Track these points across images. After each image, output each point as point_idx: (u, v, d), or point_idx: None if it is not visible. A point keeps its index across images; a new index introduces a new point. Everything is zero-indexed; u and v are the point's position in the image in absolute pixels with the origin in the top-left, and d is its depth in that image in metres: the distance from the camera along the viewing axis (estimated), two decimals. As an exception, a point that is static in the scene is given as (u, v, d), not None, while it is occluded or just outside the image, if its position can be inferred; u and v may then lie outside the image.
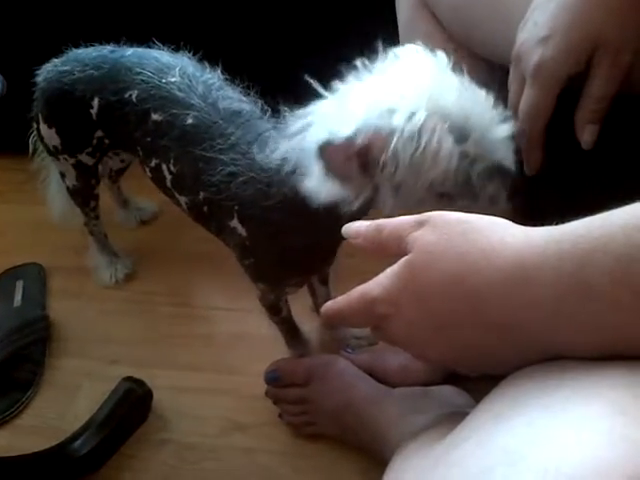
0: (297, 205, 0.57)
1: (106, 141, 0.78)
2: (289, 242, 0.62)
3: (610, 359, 0.31)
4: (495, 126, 0.50)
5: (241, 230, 0.65)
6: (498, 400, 0.34)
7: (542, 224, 0.35)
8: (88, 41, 0.77)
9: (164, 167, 0.69)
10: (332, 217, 0.54)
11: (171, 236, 1.02)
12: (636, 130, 0.55)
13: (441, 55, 0.52)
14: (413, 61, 0.52)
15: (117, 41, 0.76)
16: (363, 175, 0.52)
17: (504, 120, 0.51)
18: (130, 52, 0.73)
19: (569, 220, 0.33)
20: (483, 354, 0.37)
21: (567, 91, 0.56)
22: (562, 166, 0.63)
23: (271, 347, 0.83)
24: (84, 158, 0.80)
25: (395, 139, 0.49)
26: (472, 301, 0.35)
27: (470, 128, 0.49)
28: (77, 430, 0.78)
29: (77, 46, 0.77)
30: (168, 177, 0.69)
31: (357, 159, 0.51)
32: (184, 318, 0.93)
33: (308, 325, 0.85)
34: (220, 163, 0.63)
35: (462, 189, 0.51)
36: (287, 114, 0.59)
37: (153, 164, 0.70)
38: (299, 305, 0.83)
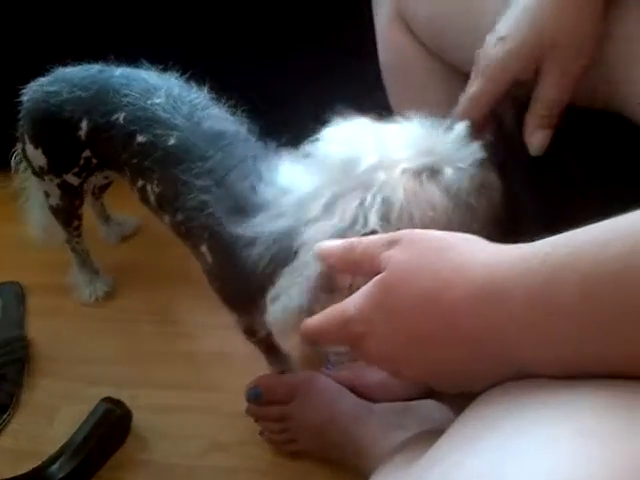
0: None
1: (94, 161, 0.78)
2: (256, 279, 0.61)
3: (581, 376, 0.31)
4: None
5: (209, 257, 0.65)
6: (472, 420, 0.34)
7: (522, 234, 0.35)
8: (76, 59, 0.77)
9: (148, 188, 0.70)
10: None
11: (152, 253, 1.01)
12: (616, 140, 0.56)
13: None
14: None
15: (105, 59, 0.76)
16: None
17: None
18: (118, 73, 0.73)
19: (551, 230, 0.33)
20: (457, 371, 0.37)
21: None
22: (543, 176, 0.63)
23: (252, 364, 0.82)
24: (70, 178, 0.80)
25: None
26: (445, 317, 0.35)
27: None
28: (54, 453, 0.77)
29: (64, 64, 0.77)
30: (152, 197, 0.70)
31: None
32: (165, 336, 0.92)
33: (288, 341, 0.84)
34: (195, 189, 0.64)
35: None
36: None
37: (139, 185, 0.71)
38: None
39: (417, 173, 0.48)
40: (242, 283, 0.63)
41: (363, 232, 0.47)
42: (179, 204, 0.65)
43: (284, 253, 0.50)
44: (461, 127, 0.50)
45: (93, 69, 0.75)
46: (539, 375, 0.32)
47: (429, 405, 0.72)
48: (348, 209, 0.47)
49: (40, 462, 0.76)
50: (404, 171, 0.48)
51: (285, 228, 0.50)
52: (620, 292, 0.28)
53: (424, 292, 0.35)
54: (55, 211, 0.86)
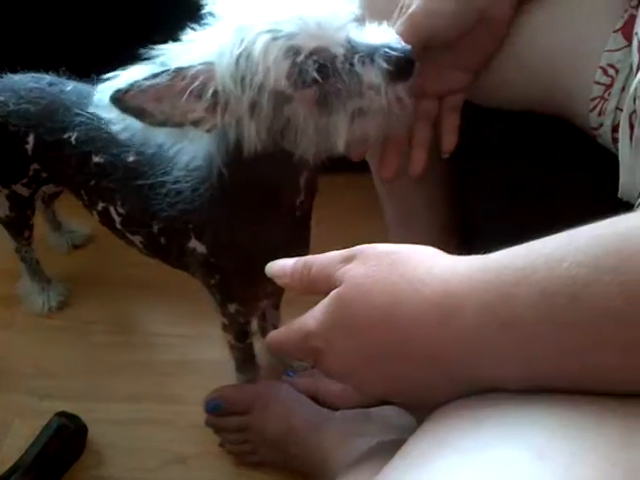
0: (228, 188, 0.56)
1: (43, 174, 0.75)
2: (248, 240, 0.61)
3: (539, 391, 0.31)
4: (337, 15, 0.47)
5: (201, 248, 0.63)
6: (425, 439, 0.34)
7: (478, 244, 0.35)
8: (26, 67, 0.73)
9: (112, 209, 0.67)
10: (271, 190, 0.53)
11: (106, 260, 0.99)
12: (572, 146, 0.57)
13: None
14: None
15: (56, 70, 0.73)
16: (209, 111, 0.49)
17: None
18: (70, 88, 0.70)
19: (508, 241, 0.33)
20: (414, 386, 0.36)
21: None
22: (499, 186, 0.64)
23: (212, 374, 0.81)
24: (19, 189, 0.77)
25: (218, 64, 0.47)
26: (400, 332, 0.34)
27: (307, 26, 0.46)
28: (6, 471, 0.74)
29: (13, 70, 0.73)
30: (117, 219, 0.68)
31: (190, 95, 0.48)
32: (121, 347, 0.90)
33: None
34: (166, 185, 0.62)
35: (336, 87, 0.47)
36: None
37: (100, 208, 0.69)
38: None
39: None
40: (238, 251, 0.63)
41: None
42: (152, 213, 0.64)
43: None
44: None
45: (43, 80, 0.72)
46: (498, 389, 0.32)
47: (390, 411, 0.72)
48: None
49: (-9, 481, 0.74)
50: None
51: None
52: (574, 307, 0.28)
53: (379, 307, 0.35)
54: (5, 223, 0.83)
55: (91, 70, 0.70)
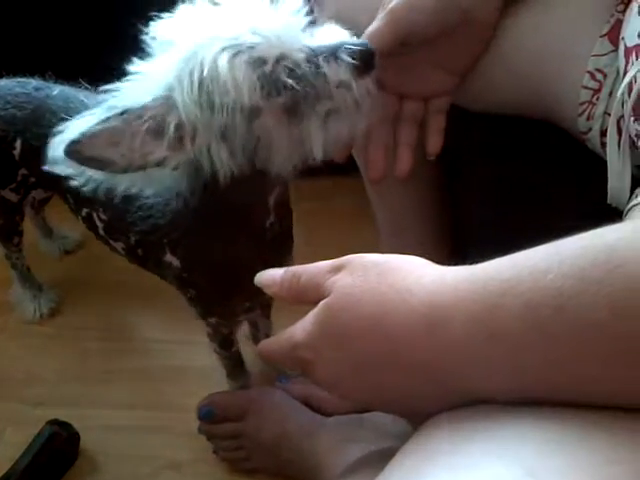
0: (197, 209, 0.55)
1: (31, 179, 0.74)
2: (220, 258, 0.60)
3: (528, 403, 0.31)
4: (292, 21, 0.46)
5: (175, 262, 0.62)
6: (416, 452, 0.34)
7: (471, 253, 0.35)
8: (12, 71, 0.73)
9: (95, 216, 0.67)
10: (241, 212, 0.52)
11: (98, 266, 0.98)
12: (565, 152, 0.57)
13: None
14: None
15: (43, 74, 0.72)
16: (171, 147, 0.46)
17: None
18: (56, 92, 0.70)
19: (500, 250, 0.33)
20: (403, 396, 0.36)
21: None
22: (494, 196, 0.64)
23: (206, 380, 0.81)
24: (7, 194, 0.76)
25: (178, 93, 0.45)
26: (388, 342, 0.34)
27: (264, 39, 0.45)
28: (-2, 480, 0.74)
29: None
30: (100, 225, 0.68)
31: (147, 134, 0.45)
32: (113, 353, 0.90)
33: (247, 353, 0.83)
34: (139, 198, 0.61)
35: (304, 93, 0.46)
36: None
37: (84, 213, 0.68)
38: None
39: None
40: (211, 267, 0.62)
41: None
42: (128, 225, 0.63)
43: None
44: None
45: (30, 85, 0.71)
46: (487, 400, 0.32)
47: (384, 417, 0.72)
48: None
49: (-17, 491, 0.73)
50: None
51: None
52: (560, 318, 0.28)
53: (367, 317, 0.35)
54: (-7, 228, 0.82)
55: (77, 74, 0.70)
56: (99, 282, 0.97)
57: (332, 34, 0.48)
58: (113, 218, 0.66)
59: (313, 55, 0.46)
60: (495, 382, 0.32)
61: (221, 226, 0.57)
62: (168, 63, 0.46)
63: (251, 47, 0.44)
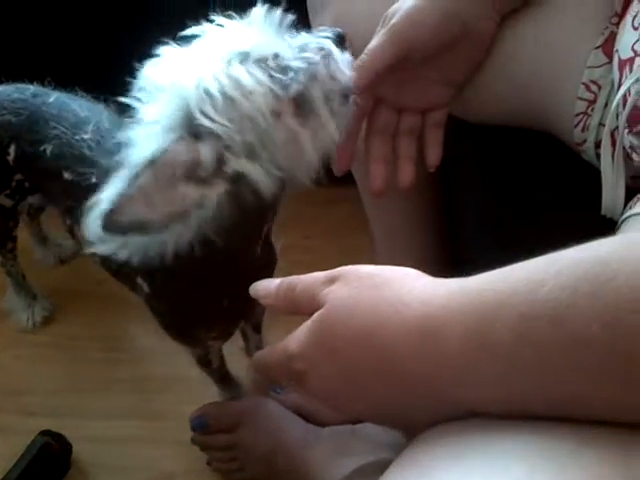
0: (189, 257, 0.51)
1: (26, 184, 0.74)
2: (189, 292, 0.59)
3: (521, 417, 0.31)
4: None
5: (146, 288, 0.62)
6: (409, 468, 0.33)
7: (467, 263, 0.35)
8: (12, 77, 0.72)
9: (75, 228, 0.66)
10: (222, 252, 0.50)
11: (93, 275, 0.97)
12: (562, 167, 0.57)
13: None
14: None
15: (42, 80, 0.72)
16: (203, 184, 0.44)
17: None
18: (52, 99, 0.70)
19: (497, 261, 0.33)
20: (397, 409, 0.36)
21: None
22: (491, 207, 0.64)
23: (200, 389, 0.80)
24: (2, 200, 0.76)
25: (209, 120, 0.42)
26: (381, 354, 0.34)
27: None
28: (-12, 491, 0.73)
29: None
30: (82, 238, 0.67)
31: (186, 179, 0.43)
32: (106, 362, 0.89)
33: (240, 365, 0.82)
34: None
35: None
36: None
37: (68, 224, 0.68)
38: (230, 344, 0.80)
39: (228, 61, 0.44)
40: (180, 300, 0.61)
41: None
42: None
43: None
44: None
45: (28, 91, 0.71)
46: (482, 413, 0.32)
47: (378, 428, 0.72)
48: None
49: (-27, 504, 0.72)
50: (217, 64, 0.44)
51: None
52: (552, 332, 0.28)
53: (361, 329, 0.35)
54: (-14, 234, 0.81)
55: (76, 81, 0.70)
56: (93, 291, 0.97)
57: (304, 35, 0.48)
58: None
59: (297, 48, 0.46)
60: (489, 394, 0.31)
61: (200, 263, 0.52)
62: (173, 98, 0.44)
63: (247, 53, 0.44)
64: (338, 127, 0.47)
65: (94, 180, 0.62)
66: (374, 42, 0.50)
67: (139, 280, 0.62)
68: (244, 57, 0.44)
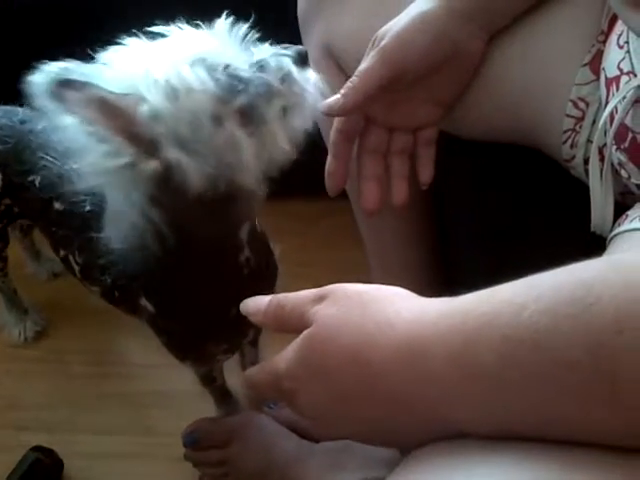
0: (169, 252, 0.53)
1: (15, 209, 0.73)
2: (195, 299, 0.59)
3: (508, 438, 0.30)
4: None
5: (150, 307, 0.61)
6: None
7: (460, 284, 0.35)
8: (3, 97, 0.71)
9: (71, 258, 0.66)
10: (212, 243, 0.51)
11: (85, 290, 0.97)
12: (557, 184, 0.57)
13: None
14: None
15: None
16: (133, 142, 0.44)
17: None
18: (40, 127, 0.68)
19: (490, 281, 0.33)
20: (384, 430, 0.36)
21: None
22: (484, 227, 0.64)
23: (192, 404, 0.80)
24: None
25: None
26: (366, 376, 0.34)
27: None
28: (-22, 509, 0.73)
29: None
30: (76, 268, 0.67)
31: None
32: (99, 377, 0.89)
33: (235, 379, 0.82)
34: (108, 245, 0.60)
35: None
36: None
37: (62, 254, 0.68)
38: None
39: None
40: (185, 315, 0.60)
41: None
42: (104, 267, 0.62)
43: None
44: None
45: (17, 116, 0.70)
46: (470, 433, 0.32)
47: (371, 443, 0.72)
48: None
49: (-39, 522, 0.72)
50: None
51: None
52: (535, 355, 0.28)
53: (348, 348, 0.35)
54: (-25, 255, 0.81)
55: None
56: (86, 306, 0.95)
57: (265, 49, 0.49)
58: (89, 260, 0.64)
59: (255, 62, 0.47)
60: (475, 415, 0.31)
61: (192, 266, 0.55)
62: (123, 80, 0.44)
63: (201, 58, 0.45)
64: (292, 141, 0.48)
65: (88, 207, 0.62)
66: (365, 64, 0.50)
67: (142, 302, 0.61)
68: (196, 61, 0.45)
